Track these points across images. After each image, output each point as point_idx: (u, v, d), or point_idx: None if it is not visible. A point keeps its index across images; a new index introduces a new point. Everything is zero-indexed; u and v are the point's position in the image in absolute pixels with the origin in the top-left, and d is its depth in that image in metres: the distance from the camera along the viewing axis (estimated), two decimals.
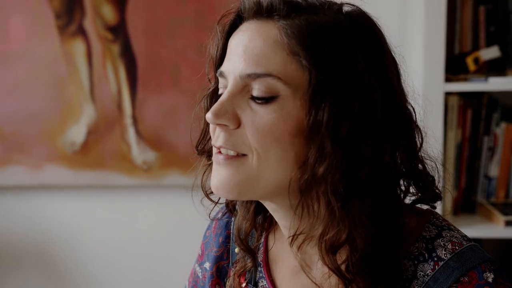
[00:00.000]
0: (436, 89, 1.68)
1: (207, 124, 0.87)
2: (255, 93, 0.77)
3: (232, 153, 0.80)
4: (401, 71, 0.83)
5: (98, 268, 2.34)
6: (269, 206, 0.86)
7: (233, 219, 0.97)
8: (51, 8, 2.15)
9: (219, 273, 1.00)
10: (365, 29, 0.79)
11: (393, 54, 0.82)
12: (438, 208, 1.02)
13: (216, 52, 0.85)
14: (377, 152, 0.76)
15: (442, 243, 0.80)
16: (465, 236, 0.83)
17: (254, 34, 0.79)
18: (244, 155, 0.79)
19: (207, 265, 1.01)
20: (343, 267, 0.77)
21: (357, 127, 0.75)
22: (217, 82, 0.85)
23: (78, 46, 2.19)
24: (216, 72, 0.84)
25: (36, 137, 2.25)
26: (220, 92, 0.83)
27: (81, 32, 2.18)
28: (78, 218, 2.34)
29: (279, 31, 0.77)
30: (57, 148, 2.25)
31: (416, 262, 0.79)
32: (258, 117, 0.77)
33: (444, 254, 0.79)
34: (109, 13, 2.16)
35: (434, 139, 0.90)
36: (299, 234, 0.80)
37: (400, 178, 0.81)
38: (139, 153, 2.23)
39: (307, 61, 0.75)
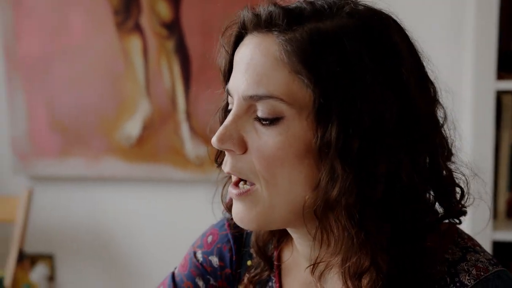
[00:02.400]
0: (487, 87, 1.58)
1: None
2: (260, 114, 0.73)
3: (244, 188, 0.76)
4: (428, 72, 0.77)
5: (150, 258, 2.37)
6: (294, 234, 0.82)
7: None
8: (110, 5, 2.19)
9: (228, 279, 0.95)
10: (377, 32, 0.73)
11: (418, 54, 0.76)
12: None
13: (224, 66, 0.81)
14: (393, 169, 0.71)
15: (466, 267, 0.75)
16: (492, 259, 0.77)
17: (255, 50, 0.74)
18: (252, 186, 0.75)
19: (214, 261, 0.94)
20: None
21: (368, 145, 0.70)
22: (227, 95, 0.81)
23: (134, 42, 2.21)
24: (224, 87, 0.81)
25: (93, 130, 2.29)
26: (230, 107, 0.79)
27: (138, 28, 2.21)
28: (133, 210, 2.36)
29: (278, 47, 0.72)
30: (114, 141, 2.29)
31: (437, 287, 0.75)
32: (262, 142, 0.73)
33: (468, 280, 0.74)
34: (164, 10, 2.18)
35: (466, 144, 0.83)
36: (319, 263, 0.76)
37: (422, 194, 0.76)
38: (192, 147, 2.23)
39: (309, 79, 0.70)
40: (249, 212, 0.76)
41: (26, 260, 2.22)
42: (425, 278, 0.74)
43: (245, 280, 0.89)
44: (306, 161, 0.72)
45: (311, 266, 0.77)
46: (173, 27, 2.19)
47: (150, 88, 2.24)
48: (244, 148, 0.74)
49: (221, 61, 0.81)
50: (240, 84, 0.74)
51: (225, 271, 0.92)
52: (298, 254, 0.85)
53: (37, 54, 2.28)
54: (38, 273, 2.37)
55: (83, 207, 2.40)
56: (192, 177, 2.26)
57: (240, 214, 0.77)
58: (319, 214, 0.72)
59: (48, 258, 2.44)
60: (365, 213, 0.70)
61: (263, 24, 0.73)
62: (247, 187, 0.75)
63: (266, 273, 0.88)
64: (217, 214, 0.95)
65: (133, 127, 2.27)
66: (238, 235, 0.92)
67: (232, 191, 0.76)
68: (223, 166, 0.78)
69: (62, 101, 2.30)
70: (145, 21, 2.20)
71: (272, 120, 0.72)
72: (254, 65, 0.73)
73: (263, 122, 0.73)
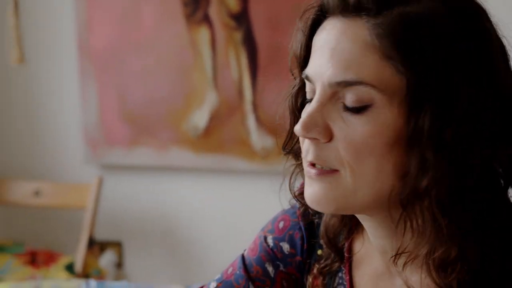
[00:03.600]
0: None
1: (294, 122, 0.80)
2: (347, 102, 0.70)
3: (325, 167, 0.74)
4: (509, 57, 0.73)
5: (214, 246, 2.39)
6: (367, 223, 0.80)
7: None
8: None
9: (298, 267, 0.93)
10: (468, 16, 0.70)
11: (500, 39, 0.73)
12: None
13: (300, 50, 0.77)
14: (486, 158, 0.69)
15: None
16: None
17: (342, 35, 0.71)
18: (336, 170, 0.73)
19: (285, 247, 0.92)
20: (453, 283, 0.71)
21: (463, 133, 0.68)
22: (302, 80, 0.78)
23: (203, 34, 2.24)
24: (301, 73, 0.77)
25: (162, 121, 2.33)
26: (308, 96, 0.76)
27: (206, 20, 2.23)
28: (199, 199, 2.40)
29: (369, 31, 0.69)
30: (181, 132, 2.32)
31: None
32: (351, 130, 0.70)
33: None
34: (233, 1, 2.20)
35: None
36: (401, 253, 0.74)
37: None
38: (258, 139, 2.25)
39: (403, 64, 0.68)
40: (329, 193, 0.73)
41: (95, 246, 2.28)
42: None
43: (315, 270, 0.87)
44: (395, 150, 0.70)
45: (394, 256, 0.74)
46: (241, 19, 2.21)
47: (217, 79, 2.26)
48: (329, 136, 0.71)
49: (297, 46, 0.77)
50: (325, 70, 0.71)
51: (296, 259, 0.89)
52: (370, 245, 0.83)
53: (109, 46, 2.34)
54: (107, 259, 2.42)
55: (151, 196, 2.44)
56: (258, 168, 2.27)
57: (319, 194, 0.73)
58: (406, 203, 0.70)
59: (117, 245, 2.48)
60: (456, 204, 0.68)
61: (351, 8, 0.70)
62: (327, 168, 0.73)
63: (336, 264, 0.86)
64: (284, 204, 0.94)
65: (200, 118, 2.30)
66: (309, 223, 0.89)
67: (310, 170, 0.73)
68: (303, 155, 0.75)
69: (133, 92, 2.34)
70: (214, 12, 2.22)
71: (361, 108, 0.69)
72: (341, 50, 0.70)
73: (351, 110, 0.70)
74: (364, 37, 0.68)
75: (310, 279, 0.88)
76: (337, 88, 0.70)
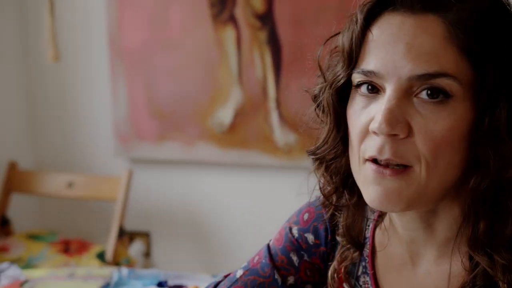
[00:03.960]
0: None
1: (332, 129, 0.78)
2: (426, 96, 0.69)
3: (400, 166, 0.72)
4: None
5: (237, 237, 2.41)
6: (404, 217, 0.78)
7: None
8: None
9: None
10: None
11: None
12: None
13: (352, 45, 0.74)
14: None
15: None
16: None
17: (418, 30, 0.69)
18: (410, 166, 0.71)
19: (310, 238, 0.91)
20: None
21: None
22: (347, 75, 0.75)
23: (229, 33, 2.26)
24: (349, 67, 0.74)
25: (189, 117, 2.36)
26: (362, 91, 0.74)
27: (232, 20, 2.25)
28: (223, 192, 2.42)
29: (447, 26, 0.68)
30: (207, 127, 2.34)
31: None
32: (431, 124, 0.69)
33: None
34: (258, 2, 2.21)
35: None
36: (479, 248, 0.72)
37: None
38: (281, 135, 2.26)
39: (481, 57, 0.68)
40: (402, 192, 0.71)
41: (125, 236, 2.30)
42: None
43: (338, 256, 0.87)
44: (464, 142, 0.69)
45: (473, 245, 0.73)
46: (266, 19, 2.22)
47: (242, 77, 2.28)
48: (408, 131, 0.70)
49: (347, 40, 0.75)
50: (401, 64, 0.69)
51: (320, 249, 0.90)
52: (394, 236, 0.83)
53: (138, 45, 2.36)
54: (136, 249, 2.45)
55: (178, 188, 2.46)
56: (280, 164, 2.28)
57: (389, 194, 0.71)
58: (488, 195, 0.69)
59: (145, 235, 2.51)
60: None
61: (421, 4, 0.70)
62: (402, 166, 0.71)
63: (357, 254, 0.86)
64: (311, 197, 0.91)
65: (225, 115, 2.32)
66: (332, 215, 0.88)
67: (385, 172, 0.72)
68: (374, 153, 0.72)
69: (161, 89, 2.37)
70: (239, 12, 2.23)
71: (441, 101, 0.68)
72: (420, 44, 0.69)
73: (432, 103, 0.69)
74: (442, 31, 0.68)
75: (333, 267, 0.87)
76: (416, 81, 0.69)
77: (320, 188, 0.83)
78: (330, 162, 0.80)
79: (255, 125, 2.30)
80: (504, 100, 0.66)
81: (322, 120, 0.80)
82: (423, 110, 0.68)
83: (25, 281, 1.41)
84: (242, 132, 2.32)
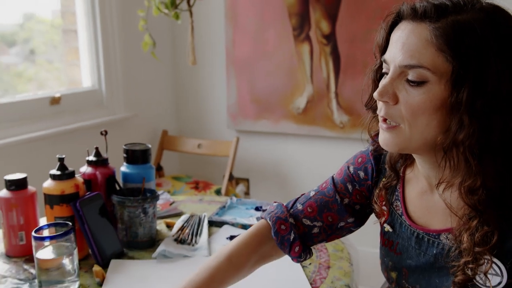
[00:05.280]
0: None
1: (374, 89, 0.79)
2: (410, 78, 0.69)
3: (392, 123, 0.73)
4: None
5: (308, 182, 2.37)
6: (418, 159, 0.79)
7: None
8: (291, 24, 2.33)
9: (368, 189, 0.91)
10: (499, 23, 0.67)
11: None
12: None
13: (381, 41, 0.76)
14: (505, 122, 0.67)
15: None
16: None
17: (410, 34, 0.69)
18: (398, 125, 0.72)
19: (361, 174, 0.91)
20: (476, 202, 0.69)
21: (490, 104, 0.66)
22: (381, 62, 0.76)
23: (305, 48, 2.32)
24: (381, 56, 0.76)
25: (276, 102, 2.43)
26: (384, 70, 0.75)
27: (307, 38, 2.31)
28: (299, 152, 2.47)
29: (429, 32, 0.68)
30: (289, 110, 2.41)
31: None
32: (411, 97, 0.69)
33: None
34: (325, 27, 2.27)
35: None
36: (442, 182, 0.73)
37: None
38: (338, 116, 2.31)
39: (451, 56, 0.66)
40: (393, 141, 0.73)
41: (233, 180, 2.40)
42: None
43: (381, 185, 0.87)
44: (439, 113, 0.69)
45: (437, 184, 0.74)
46: (330, 37, 2.27)
47: (313, 77, 2.33)
48: (395, 100, 0.71)
49: (380, 39, 0.77)
50: (397, 56, 0.71)
51: (367, 182, 0.89)
52: (418, 172, 0.82)
53: (245, 55, 2.45)
54: (240, 189, 2.57)
55: (268, 150, 2.54)
56: (337, 136, 2.33)
57: (387, 141, 0.74)
58: (447, 149, 0.69)
59: (246, 180, 2.61)
60: (482, 151, 0.67)
61: (418, 16, 0.70)
62: (394, 123, 0.73)
63: (395, 182, 0.85)
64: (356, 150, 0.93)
65: (301, 102, 2.38)
66: (378, 157, 0.89)
67: (382, 125, 0.74)
68: (378, 111, 0.75)
69: (258, 84, 2.45)
70: (313, 34, 2.30)
71: (419, 83, 0.69)
72: (409, 44, 0.69)
73: (412, 84, 0.69)
74: (426, 36, 0.68)
75: (376, 192, 0.87)
76: (404, 69, 0.70)
77: (368, 132, 0.85)
78: (375, 114, 0.80)
79: (320, 109, 2.34)
80: (466, 86, 0.66)
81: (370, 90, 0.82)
82: (407, 87, 0.70)
83: (172, 202, 1.47)
84: (311, 114, 2.36)
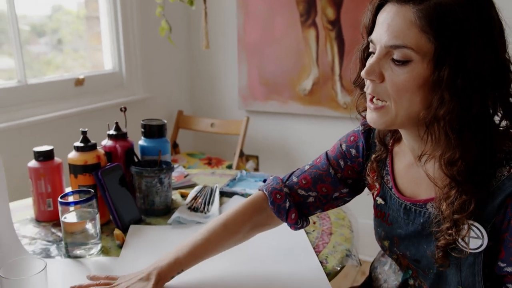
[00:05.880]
0: None
1: (361, 67, 0.78)
2: (395, 58, 0.68)
3: (379, 104, 0.72)
4: (504, 31, 0.69)
5: (313, 159, 2.34)
6: (403, 133, 0.78)
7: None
8: (298, 11, 2.31)
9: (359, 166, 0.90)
10: (480, 5, 0.66)
11: (500, 20, 0.68)
12: None
13: (368, 22, 0.75)
14: (483, 99, 0.66)
15: None
16: None
17: (395, 16, 0.68)
18: (384, 103, 0.71)
19: (353, 151, 0.90)
20: (456, 174, 0.68)
21: (469, 82, 0.65)
22: (368, 42, 0.75)
23: (311, 33, 2.30)
24: (368, 36, 0.74)
25: (284, 85, 2.42)
26: (370, 50, 0.73)
27: (314, 24, 2.29)
28: (305, 131, 2.46)
29: (413, 14, 0.66)
30: (295, 92, 2.40)
31: (495, 167, 0.69)
32: (396, 76, 0.68)
33: None
34: (331, 13, 2.25)
35: None
36: (424, 154, 0.73)
37: (497, 114, 0.69)
38: (342, 97, 2.31)
39: (434, 37, 0.65)
40: (380, 119, 0.73)
41: (243, 157, 2.40)
42: (492, 164, 0.69)
43: (372, 158, 0.86)
44: (422, 90, 0.67)
45: (419, 156, 0.74)
46: (335, 23, 2.25)
47: (319, 61, 2.31)
48: (382, 79, 0.70)
49: (366, 20, 0.75)
50: (383, 37, 0.69)
51: (358, 159, 0.89)
52: (405, 146, 0.82)
53: (255, 41, 2.44)
54: (249, 165, 2.57)
55: (276, 130, 2.53)
56: (341, 115, 2.32)
57: (374, 119, 0.74)
58: (428, 124, 0.68)
59: (255, 157, 2.60)
60: (461, 125, 0.66)
61: None
62: (380, 103, 0.72)
63: (384, 154, 0.85)
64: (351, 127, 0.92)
65: (307, 84, 2.36)
66: (367, 134, 0.88)
67: (370, 105, 0.73)
68: (365, 89, 0.74)
69: (267, 68, 2.44)
70: (319, 20, 2.28)
71: (404, 62, 0.67)
72: (394, 25, 0.68)
73: (397, 63, 0.68)
74: (410, 18, 0.66)
75: (368, 165, 0.87)
76: (390, 49, 0.68)
77: (356, 108, 0.83)
78: (363, 91, 0.79)
79: (325, 91, 2.33)
80: (447, 64, 0.65)
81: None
82: (393, 66, 0.69)
83: (187, 175, 1.48)
84: (317, 95, 2.35)
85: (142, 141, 1.25)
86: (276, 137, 2.55)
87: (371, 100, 0.73)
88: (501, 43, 0.68)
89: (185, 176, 1.47)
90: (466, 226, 0.70)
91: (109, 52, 2.27)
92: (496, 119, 0.71)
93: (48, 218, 1.14)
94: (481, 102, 0.66)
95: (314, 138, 2.46)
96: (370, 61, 0.71)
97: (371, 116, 0.74)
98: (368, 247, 1.63)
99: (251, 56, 2.47)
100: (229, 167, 2.34)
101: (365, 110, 0.78)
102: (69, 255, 0.98)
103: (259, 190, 0.94)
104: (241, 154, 2.37)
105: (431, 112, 0.67)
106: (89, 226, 0.98)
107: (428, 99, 0.68)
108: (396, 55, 0.68)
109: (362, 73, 0.71)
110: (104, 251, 1.01)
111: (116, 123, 1.22)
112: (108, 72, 2.26)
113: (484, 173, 0.69)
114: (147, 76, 2.39)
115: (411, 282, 0.86)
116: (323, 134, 2.42)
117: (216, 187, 1.34)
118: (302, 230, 1.05)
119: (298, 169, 0.93)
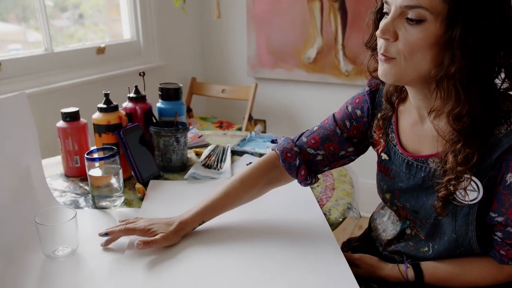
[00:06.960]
0: None
1: (374, 29, 0.75)
2: (410, 17, 0.66)
3: (390, 56, 0.69)
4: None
5: (316, 121, 2.21)
6: (410, 91, 0.76)
7: (381, 86, 0.86)
8: None
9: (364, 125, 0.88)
10: None
11: None
12: None
13: None
14: (491, 56, 0.64)
15: None
16: None
17: None
18: (394, 57, 0.69)
19: (358, 112, 0.88)
20: (462, 128, 0.68)
21: (480, 42, 0.63)
22: (381, 4, 0.72)
23: (316, 5, 2.25)
24: None
25: (290, 53, 2.38)
26: (384, 10, 0.71)
27: None
28: (309, 97, 2.45)
29: None
30: (301, 60, 2.36)
31: (494, 126, 0.68)
32: (409, 35, 0.66)
33: None
34: None
35: None
36: (433, 110, 0.71)
37: (507, 75, 0.67)
38: (344, 65, 2.27)
39: None
40: (390, 71, 0.70)
41: (252, 121, 2.39)
42: (493, 121, 0.68)
43: (379, 116, 0.84)
44: (433, 49, 0.66)
45: (429, 111, 0.71)
46: None
47: (323, 31, 2.27)
48: (395, 37, 0.68)
49: None
50: None
51: (363, 119, 0.87)
52: (410, 105, 0.80)
53: (263, 12, 2.39)
54: (257, 128, 2.57)
55: (282, 95, 2.51)
56: (343, 82, 2.29)
57: (385, 71, 0.71)
58: (439, 81, 0.66)
59: (263, 121, 2.59)
60: (471, 82, 0.65)
61: None
62: (391, 56, 0.70)
63: (390, 113, 0.83)
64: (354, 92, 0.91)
65: (311, 53, 2.33)
66: (373, 95, 0.86)
67: (381, 57, 0.71)
68: (378, 48, 0.71)
69: (275, 37, 2.39)
70: None
71: (418, 21, 0.65)
72: None
73: (411, 22, 0.66)
74: None
75: (375, 123, 0.85)
76: (404, 9, 0.66)
77: (367, 69, 0.80)
78: (374, 52, 0.78)
79: (329, 59, 2.30)
80: (459, 24, 0.63)
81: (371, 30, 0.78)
82: (407, 26, 0.67)
83: (200, 136, 1.47)
84: (321, 63, 2.32)
85: (159, 103, 1.23)
86: (282, 102, 2.54)
87: (383, 54, 0.71)
88: (508, 2, 0.66)
89: (199, 137, 1.47)
90: (466, 179, 0.69)
91: (128, 22, 2.23)
92: (497, 82, 0.69)
93: (76, 173, 1.15)
94: (489, 60, 0.65)
95: (317, 104, 2.44)
96: (385, 21, 0.69)
97: (382, 68, 0.71)
98: (366, 204, 1.60)
99: (260, 26, 2.43)
100: (239, 129, 2.33)
101: (375, 70, 0.76)
102: (95, 206, 0.99)
103: (272, 149, 0.93)
104: (250, 118, 2.36)
105: (443, 70, 0.65)
106: (113, 180, 0.98)
107: (439, 57, 0.66)
108: (411, 14, 0.65)
109: (377, 32, 0.69)
110: (127, 203, 1.01)
111: (136, 86, 1.21)
112: (126, 41, 2.23)
113: (487, 129, 0.68)
114: (163, 44, 2.35)
115: (408, 231, 0.87)
116: (325, 100, 2.41)
117: (228, 146, 1.34)
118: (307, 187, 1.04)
119: (307, 130, 0.93)
